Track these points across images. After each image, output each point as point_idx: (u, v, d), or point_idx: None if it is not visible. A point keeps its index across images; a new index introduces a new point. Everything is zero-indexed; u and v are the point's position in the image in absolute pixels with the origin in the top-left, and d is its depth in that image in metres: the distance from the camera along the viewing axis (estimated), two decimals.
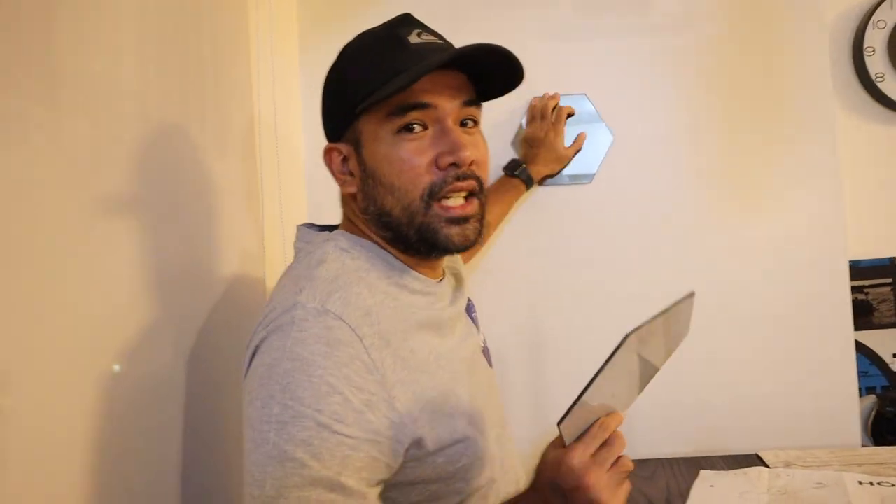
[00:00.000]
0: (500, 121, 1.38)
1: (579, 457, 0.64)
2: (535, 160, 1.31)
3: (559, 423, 0.64)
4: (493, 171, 1.31)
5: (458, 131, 0.75)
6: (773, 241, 1.34)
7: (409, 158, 0.74)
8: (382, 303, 0.72)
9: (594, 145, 1.37)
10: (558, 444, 0.67)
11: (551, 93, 1.34)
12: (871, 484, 1.01)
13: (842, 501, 0.95)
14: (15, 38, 0.60)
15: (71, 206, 0.67)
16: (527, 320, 1.37)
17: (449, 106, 0.75)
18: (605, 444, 0.66)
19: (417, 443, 0.70)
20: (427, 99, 0.73)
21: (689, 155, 1.36)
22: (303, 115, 1.39)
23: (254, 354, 0.70)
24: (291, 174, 1.32)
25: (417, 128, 0.74)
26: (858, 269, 1.44)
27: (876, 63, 1.44)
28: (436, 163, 0.74)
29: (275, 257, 1.18)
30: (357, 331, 0.67)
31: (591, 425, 0.67)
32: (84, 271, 0.69)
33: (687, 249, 1.35)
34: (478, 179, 0.76)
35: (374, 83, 0.73)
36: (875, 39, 1.43)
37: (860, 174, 1.46)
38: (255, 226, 1.11)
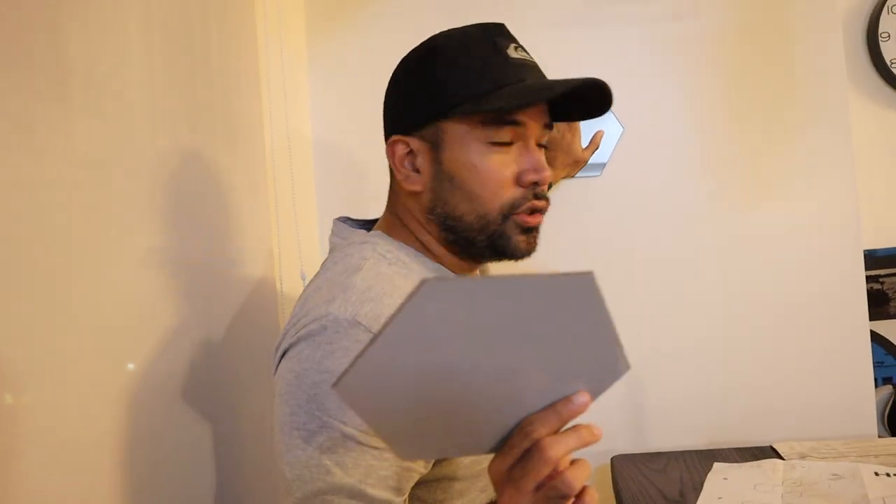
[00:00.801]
0: None
1: (495, 469, 0.56)
2: (553, 164, 1.27)
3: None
4: None
5: (540, 152, 0.78)
6: (787, 230, 1.33)
7: (495, 171, 0.75)
8: None
9: (604, 137, 1.35)
10: None
11: None
12: (888, 475, 1.00)
13: (858, 493, 0.94)
14: (24, 40, 0.60)
15: (85, 207, 0.68)
16: None
17: (535, 126, 0.78)
18: (521, 457, 0.54)
19: None
20: (522, 118, 0.76)
21: (701, 144, 1.35)
22: (311, 109, 1.40)
23: (283, 356, 0.71)
24: (302, 170, 1.32)
25: (507, 142, 0.76)
26: (874, 259, 1.43)
27: (891, 49, 1.41)
28: (518, 179, 0.76)
29: (290, 253, 1.18)
30: None
31: (516, 428, 0.54)
32: (97, 271, 0.69)
33: (699, 240, 1.35)
34: (548, 200, 0.80)
35: (477, 89, 0.74)
36: (890, 25, 1.41)
37: (875, 162, 1.44)
38: (268, 224, 1.12)
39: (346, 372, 0.48)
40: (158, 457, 0.78)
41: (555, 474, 0.54)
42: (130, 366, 0.74)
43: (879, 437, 1.30)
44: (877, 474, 1.00)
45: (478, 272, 0.89)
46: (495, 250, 0.78)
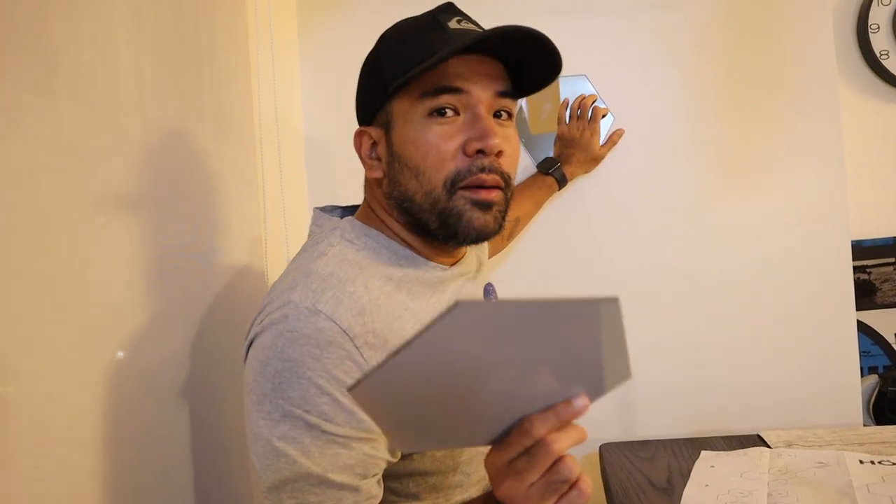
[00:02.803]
0: None
1: (492, 462, 0.60)
2: (570, 161, 1.30)
3: (350, 389, 0.51)
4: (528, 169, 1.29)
5: (489, 119, 0.73)
6: (775, 220, 1.34)
7: (436, 143, 0.72)
8: (378, 299, 0.70)
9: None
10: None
11: (587, 93, 1.34)
12: (873, 463, 1.01)
13: (843, 481, 0.95)
14: (11, 29, 0.60)
15: (71, 195, 0.67)
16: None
17: (483, 93, 0.73)
18: (526, 452, 0.57)
19: None
20: (461, 84, 0.72)
21: (690, 135, 1.35)
22: (302, 100, 1.39)
23: (250, 345, 0.70)
24: (292, 160, 1.31)
25: (449, 112, 0.72)
26: (861, 249, 1.43)
27: (880, 40, 1.42)
28: (463, 149, 0.72)
29: (277, 243, 1.17)
30: (348, 331, 0.66)
31: (514, 425, 0.56)
32: (85, 261, 0.69)
33: (688, 230, 1.35)
34: (503, 175, 0.74)
35: (408, 63, 0.71)
36: (880, 16, 1.41)
37: (864, 152, 1.44)
38: (256, 212, 1.11)
39: (361, 380, 0.48)
40: (143, 446, 0.78)
41: (556, 463, 0.57)
42: (116, 355, 0.74)
43: (865, 425, 1.31)
44: (861, 462, 1.01)
45: (465, 254, 0.85)
46: (448, 230, 0.73)
